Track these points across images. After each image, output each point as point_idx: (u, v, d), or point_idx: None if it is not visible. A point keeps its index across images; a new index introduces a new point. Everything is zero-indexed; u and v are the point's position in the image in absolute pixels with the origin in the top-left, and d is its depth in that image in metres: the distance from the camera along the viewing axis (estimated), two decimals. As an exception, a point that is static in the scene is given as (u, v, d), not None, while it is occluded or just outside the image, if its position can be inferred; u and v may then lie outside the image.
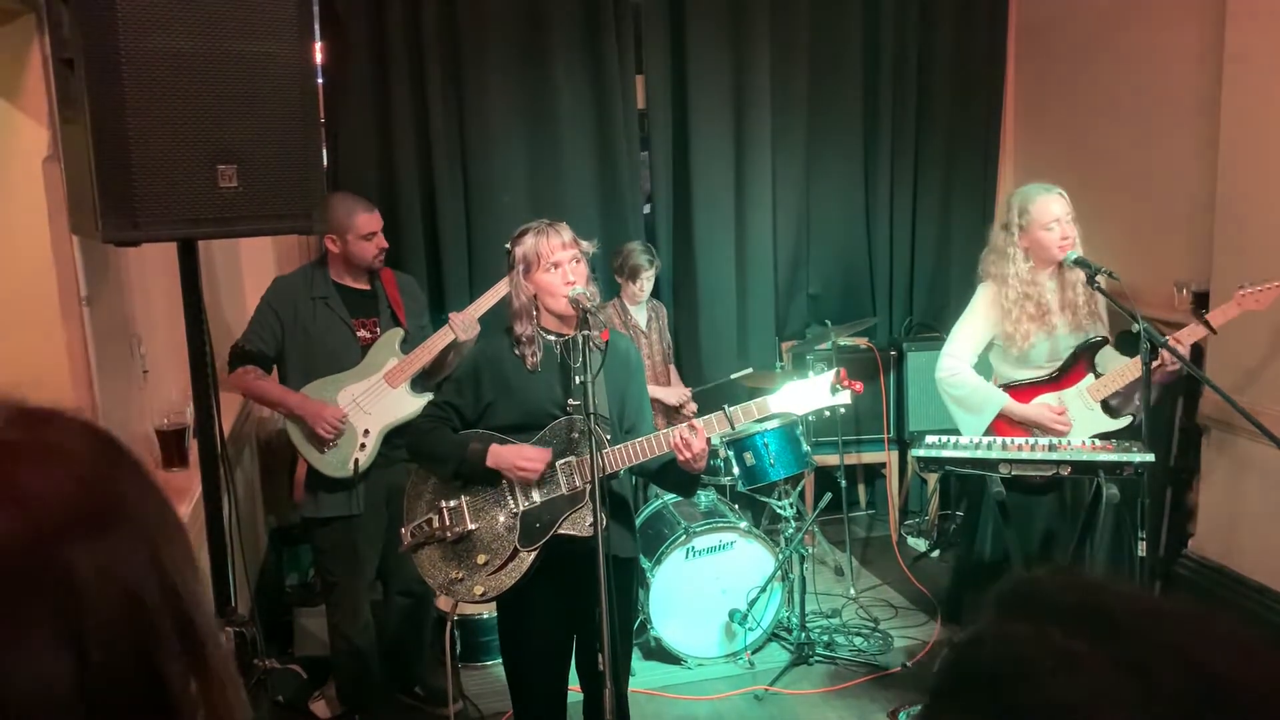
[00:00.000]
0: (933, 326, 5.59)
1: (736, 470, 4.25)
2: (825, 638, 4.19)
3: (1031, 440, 3.37)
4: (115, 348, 2.91)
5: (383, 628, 3.73)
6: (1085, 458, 3.21)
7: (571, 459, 2.75)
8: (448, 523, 2.80)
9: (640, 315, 4.58)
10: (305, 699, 3.83)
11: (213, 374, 2.34)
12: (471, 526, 2.79)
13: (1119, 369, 3.46)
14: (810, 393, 2.77)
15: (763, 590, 4.05)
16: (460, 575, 2.81)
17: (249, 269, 4.57)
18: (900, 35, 5.44)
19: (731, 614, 4.07)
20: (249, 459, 4.44)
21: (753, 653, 4.12)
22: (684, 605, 4.05)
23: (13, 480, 0.58)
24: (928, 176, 5.61)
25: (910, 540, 5.34)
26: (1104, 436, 3.42)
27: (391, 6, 4.71)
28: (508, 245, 2.80)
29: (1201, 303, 4.32)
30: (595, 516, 2.59)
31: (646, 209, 5.39)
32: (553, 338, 2.80)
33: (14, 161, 2.55)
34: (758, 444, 4.20)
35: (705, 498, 4.31)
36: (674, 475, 2.81)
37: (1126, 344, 3.65)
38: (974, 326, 3.59)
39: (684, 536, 3.99)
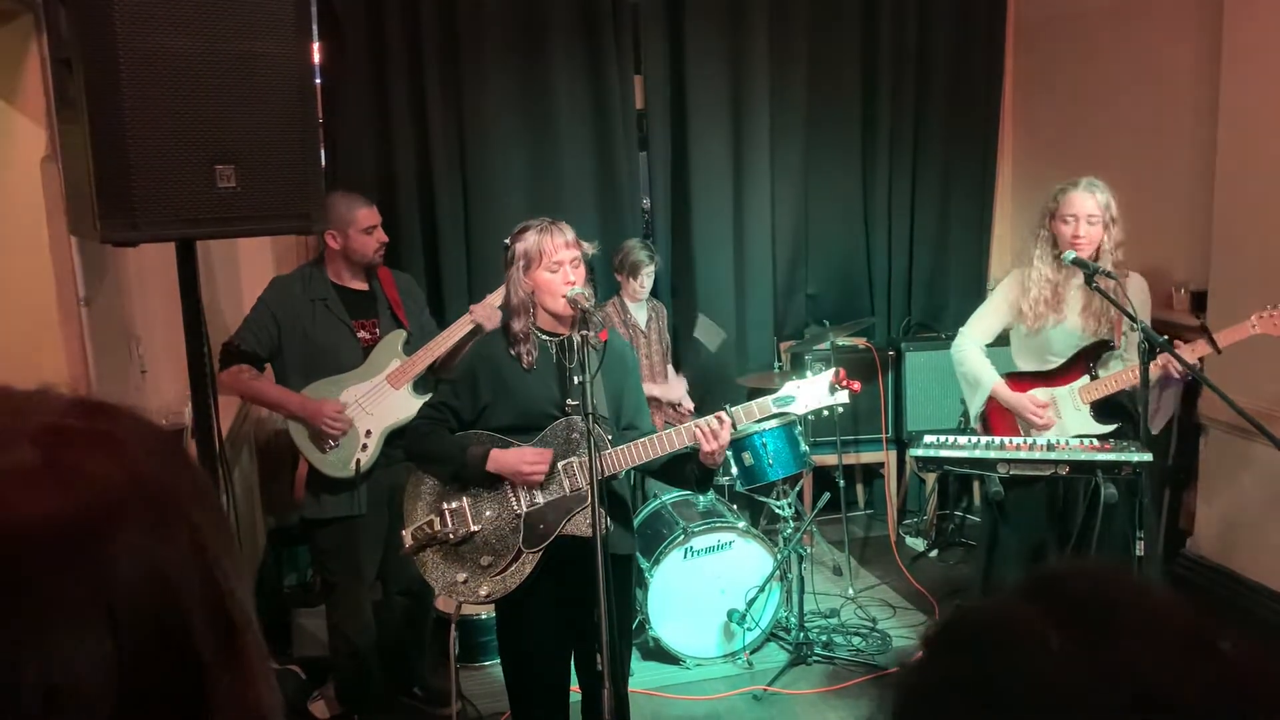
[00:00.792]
0: (931, 326, 5.59)
1: (735, 470, 4.25)
2: (824, 637, 4.19)
3: (1029, 440, 3.38)
4: (113, 348, 2.91)
5: (382, 628, 3.73)
6: (1083, 457, 3.21)
7: (574, 459, 2.75)
8: (450, 525, 2.78)
9: (640, 314, 4.58)
10: (304, 700, 3.83)
11: (211, 375, 2.34)
12: (474, 528, 2.78)
13: (1114, 374, 3.46)
14: (809, 391, 2.78)
15: (761, 590, 4.05)
16: (464, 577, 2.80)
17: (247, 269, 4.57)
18: (898, 35, 5.44)
19: (730, 614, 4.07)
20: (247, 459, 4.44)
21: (751, 653, 4.12)
22: (682, 605, 4.05)
23: (67, 463, 0.59)
24: (926, 176, 5.61)
25: (909, 540, 5.34)
26: (1100, 437, 3.42)
27: (389, 6, 4.71)
28: (507, 241, 2.78)
29: (1199, 303, 4.33)
30: (594, 517, 2.58)
31: (646, 203, 5.40)
32: (547, 338, 2.80)
33: (12, 162, 2.55)
34: (756, 444, 4.20)
35: (703, 498, 4.31)
36: (686, 471, 2.81)
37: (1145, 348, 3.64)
38: (990, 307, 3.67)
39: (682, 536, 3.99)
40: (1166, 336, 3.25)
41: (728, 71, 5.20)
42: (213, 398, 2.31)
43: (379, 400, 3.44)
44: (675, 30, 5.13)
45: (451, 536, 2.77)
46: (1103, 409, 3.50)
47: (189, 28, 2.01)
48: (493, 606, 3.95)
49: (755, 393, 2.86)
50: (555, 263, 2.69)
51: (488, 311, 3.47)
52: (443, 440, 2.79)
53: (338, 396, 3.40)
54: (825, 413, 2.87)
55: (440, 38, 4.78)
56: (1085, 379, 3.52)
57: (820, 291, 5.60)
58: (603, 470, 2.66)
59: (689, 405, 4.64)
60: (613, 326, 3.90)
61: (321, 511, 3.47)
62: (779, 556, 4.07)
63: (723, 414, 2.70)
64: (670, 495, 4.30)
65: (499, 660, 3.98)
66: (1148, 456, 3.14)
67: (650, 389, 4.19)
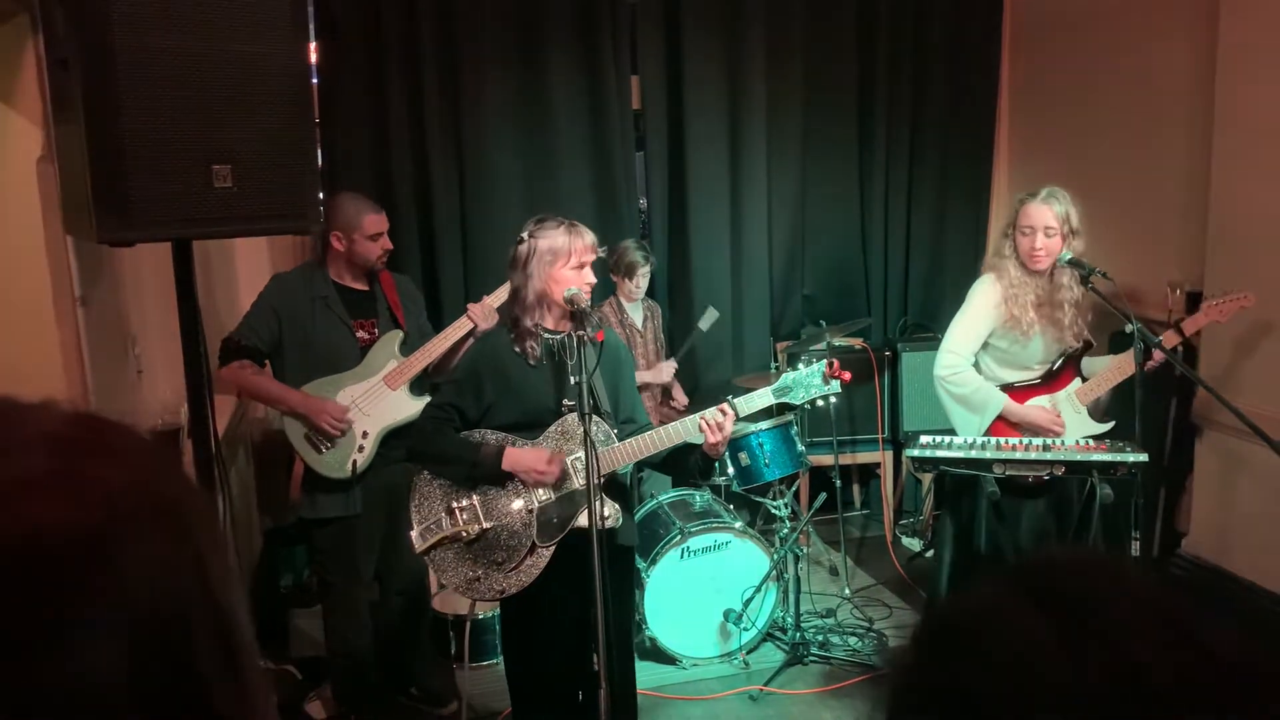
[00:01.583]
0: (927, 327, 5.60)
1: (731, 470, 4.26)
2: (820, 638, 4.19)
3: (1025, 440, 3.38)
4: (110, 348, 2.91)
5: (378, 628, 3.73)
6: (1079, 458, 3.23)
7: (581, 454, 2.77)
8: (461, 523, 2.80)
9: (636, 314, 4.58)
10: (300, 700, 3.82)
11: (208, 375, 2.33)
12: (486, 525, 2.81)
13: (1104, 372, 3.48)
14: (805, 382, 2.89)
15: (758, 590, 4.05)
16: (479, 574, 2.82)
17: (244, 269, 4.56)
18: (895, 36, 5.45)
19: (726, 614, 4.07)
20: (243, 459, 4.44)
21: (748, 653, 4.12)
22: (679, 605, 4.05)
23: (75, 473, 0.59)
24: (922, 177, 5.62)
25: (905, 540, 5.35)
26: (1096, 438, 3.43)
27: (387, 7, 4.71)
28: (523, 235, 2.80)
29: (1194, 303, 4.34)
30: (591, 516, 2.60)
31: (643, 203, 5.40)
32: (549, 336, 2.83)
33: (8, 162, 2.55)
34: (753, 444, 4.20)
35: (700, 498, 4.31)
36: (690, 462, 2.88)
37: (1119, 345, 3.66)
38: (972, 321, 3.54)
39: (679, 536, 4.00)
40: (1161, 338, 3.27)
41: (724, 72, 5.20)
42: (209, 398, 2.30)
43: (376, 401, 3.44)
44: (672, 30, 5.13)
45: (465, 535, 2.80)
46: (1095, 406, 3.53)
47: (186, 27, 2.01)
48: (494, 606, 4.00)
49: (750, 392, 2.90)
50: (580, 263, 2.76)
51: (484, 313, 3.47)
52: (451, 439, 2.81)
53: (335, 397, 3.40)
54: (820, 403, 2.95)
55: (437, 38, 4.77)
56: (1077, 382, 3.53)
57: (817, 292, 5.61)
58: (610, 464, 2.74)
59: (683, 400, 4.65)
60: (609, 326, 3.91)
61: (318, 512, 3.47)
62: (775, 556, 4.08)
63: (725, 405, 2.78)
64: (667, 495, 4.31)
65: (497, 659, 4.02)
66: (1143, 457, 3.15)
67: (641, 375, 4.21)
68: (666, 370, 4.58)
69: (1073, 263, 3.36)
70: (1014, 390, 3.57)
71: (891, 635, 4.29)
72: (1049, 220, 3.37)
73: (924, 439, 3.42)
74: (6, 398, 0.64)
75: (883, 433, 5.28)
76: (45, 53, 2.38)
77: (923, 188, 5.63)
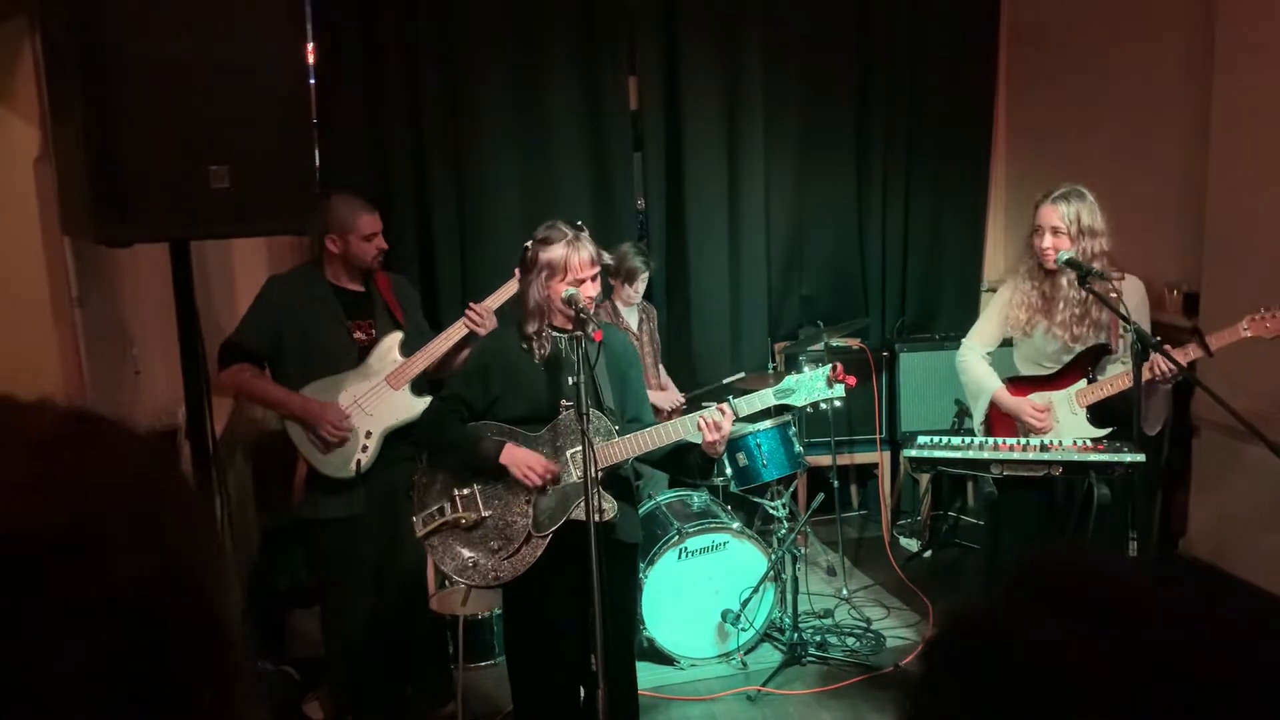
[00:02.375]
0: (925, 327, 5.60)
1: (729, 471, 4.25)
2: (818, 638, 4.19)
3: (1023, 440, 3.39)
4: (107, 348, 2.90)
5: (377, 628, 3.72)
6: (1076, 458, 3.23)
7: (580, 448, 2.78)
8: (460, 510, 2.87)
9: (631, 317, 4.58)
10: (298, 700, 3.82)
11: (205, 376, 2.33)
12: (485, 513, 2.88)
13: (1109, 378, 3.48)
14: (808, 385, 2.89)
15: (755, 591, 4.05)
16: (475, 561, 2.88)
17: (241, 269, 4.56)
18: (892, 38, 5.45)
19: (724, 614, 4.07)
20: (241, 459, 4.43)
21: (745, 653, 4.12)
22: (677, 606, 4.05)
23: (66, 470, 0.59)
24: (920, 177, 5.62)
25: (903, 541, 5.35)
26: (1094, 439, 3.42)
27: (384, 7, 4.71)
28: (527, 244, 2.86)
29: (1192, 304, 4.34)
30: (589, 516, 2.61)
31: (640, 204, 5.40)
32: (558, 334, 2.88)
33: (6, 163, 2.55)
34: (750, 445, 4.20)
35: (698, 498, 4.31)
36: (689, 461, 2.92)
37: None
38: (987, 318, 3.75)
39: (677, 537, 4.00)
40: (1159, 338, 3.26)
41: (722, 72, 5.20)
42: (207, 399, 2.30)
43: (378, 401, 3.44)
44: (669, 30, 5.13)
45: (463, 521, 2.87)
46: (1100, 413, 3.50)
47: (184, 28, 2.02)
48: (491, 606, 4.01)
49: (750, 394, 2.91)
50: (578, 280, 2.78)
51: (484, 315, 3.47)
52: (456, 429, 2.88)
53: (337, 397, 3.40)
54: (823, 406, 2.94)
55: (434, 38, 4.77)
56: (1082, 383, 3.53)
57: (815, 292, 5.61)
58: (608, 459, 2.78)
59: (682, 402, 4.66)
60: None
61: (320, 512, 3.46)
62: (773, 557, 4.08)
63: (725, 405, 2.81)
64: (665, 496, 4.31)
65: (497, 660, 4.02)
66: (1141, 457, 3.15)
67: (650, 395, 4.21)
68: (673, 396, 4.60)
69: (1070, 263, 3.36)
70: (1020, 383, 3.60)
71: (889, 635, 4.29)
72: (1054, 220, 3.41)
73: (921, 439, 3.42)
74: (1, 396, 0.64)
75: (880, 433, 5.28)
76: (42, 53, 2.38)
77: (921, 188, 5.63)
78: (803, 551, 4.49)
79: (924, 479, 5.37)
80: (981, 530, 3.86)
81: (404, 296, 3.65)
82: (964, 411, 4.78)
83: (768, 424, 4.19)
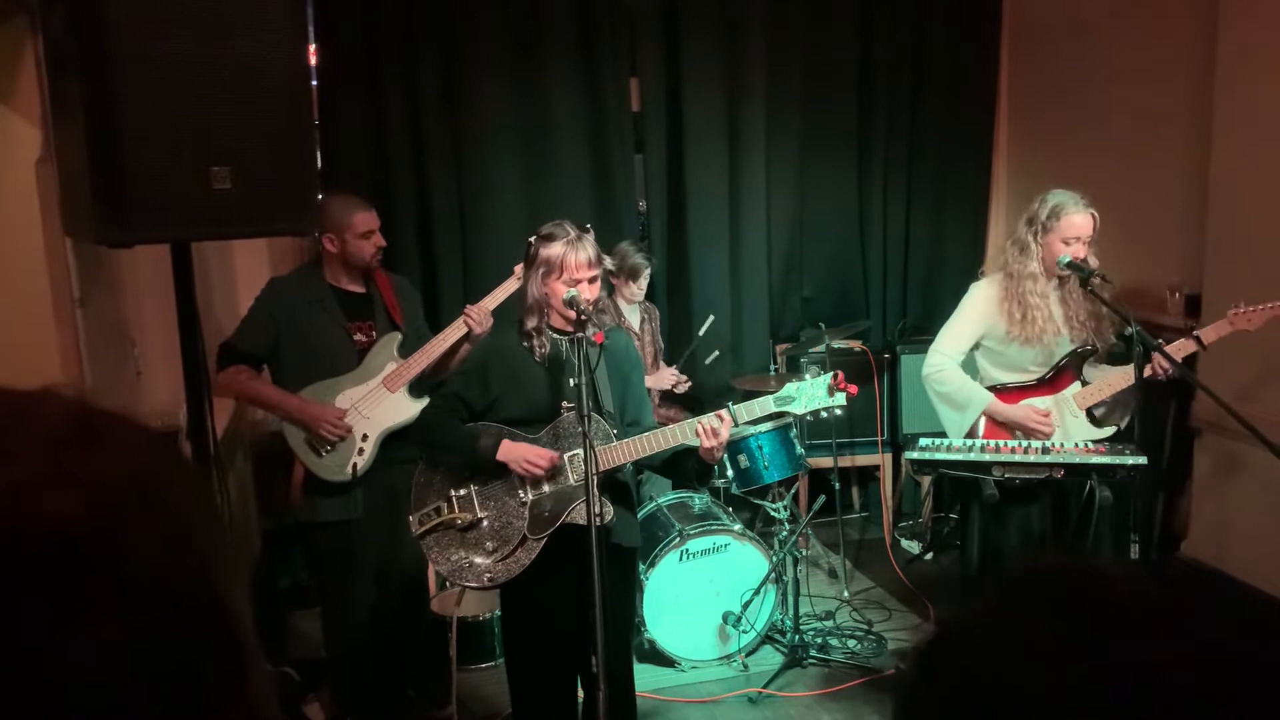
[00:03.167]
0: (926, 329, 5.58)
1: (730, 473, 4.25)
2: (819, 640, 4.19)
3: (1025, 443, 3.38)
4: (108, 349, 2.90)
5: (377, 630, 3.72)
6: (1078, 460, 3.22)
7: (579, 452, 2.78)
8: (457, 510, 2.87)
9: (633, 316, 4.58)
10: (299, 702, 3.82)
11: (206, 376, 2.33)
12: (481, 514, 2.87)
13: (1106, 379, 3.47)
14: (809, 393, 2.87)
15: (757, 593, 4.05)
16: (470, 561, 2.87)
17: (242, 270, 4.56)
18: (894, 37, 5.45)
19: (725, 616, 4.07)
20: (242, 460, 4.43)
21: (747, 655, 4.12)
22: (678, 608, 4.05)
23: (78, 464, 0.59)
24: (921, 179, 5.62)
25: (904, 543, 5.34)
26: (1095, 440, 3.42)
27: (385, 8, 4.71)
28: (531, 239, 2.86)
29: (1194, 306, 4.34)
30: (589, 516, 2.60)
31: (642, 204, 5.40)
32: (558, 335, 2.87)
33: (7, 163, 2.55)
34: (752, 447, 4.20)
35: (699, 500, 4.31)
36: (687, 466, 2.92)
37: (1121, 350, 3.65)
38: (963, 324, 3.57)
39: (678, 539, 3.99)
40: (1159, 340, 3.26)
41: (723, 73, 5.20)
42: (208, 399, 2.30)
43: (375, 403, 3.44)
44: (671, 32, 5.13)
45: (459, 521, 2.86)
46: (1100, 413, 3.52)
47: (185, 30, 2.02)
48: (491, 608, 4.00)
49: (751, 395, 2.91)
50: (575, 280, 2.77)
51: (481, 316, 3.47)
52: (454, 428, 2.87)
53: (334, 400, 3.40)
54: (824, 414, 2.92)
55: (435, 39, 4.78)
56: (1077, 385, 3.52)
57: (816, 294, 5.61)
58: (607, 463, 2.76)
59: (685, 384, 4.63)
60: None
61: (318, 515, 3.46)
62: (774, 559, 4.07)
63: (723, 412, 2.79)
64: (666, 498, 4.30)
65: (496, 662, 4.01)
66: (1142, 459, 3.15)
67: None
68: (665, 377, 4.58)
69: (1071, 266, 3.36)
70: (1007, 391, 3.55)
71: (890, 638, 4.29)
72: (1088, 230, 3.38)
73: (923, 441, 3.41)
74: (3, 389, 0.64)
75: (882, 435, 5.28)
76: (44, 54, 2.38)
77: (922, 190, 5.63)
78: (804, 553, 4.49)
79: (925, 481, 5.36)
80: (977, 531, 3.81)
81: (404, 298, 3.64)
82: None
83: (769, 426, 4.19)
